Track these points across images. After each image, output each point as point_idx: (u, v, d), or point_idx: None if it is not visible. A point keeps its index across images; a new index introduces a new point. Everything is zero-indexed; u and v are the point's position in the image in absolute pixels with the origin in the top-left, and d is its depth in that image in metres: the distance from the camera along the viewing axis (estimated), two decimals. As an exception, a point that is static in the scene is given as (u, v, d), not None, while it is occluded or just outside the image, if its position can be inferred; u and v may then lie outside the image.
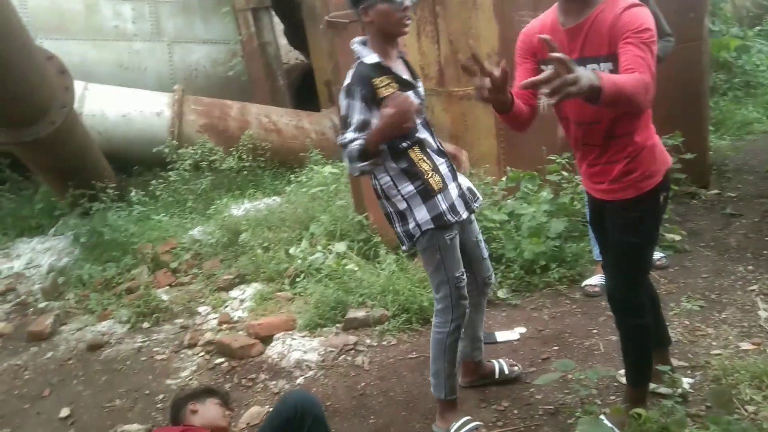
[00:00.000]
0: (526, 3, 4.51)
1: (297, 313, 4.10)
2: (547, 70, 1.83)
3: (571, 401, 2.89)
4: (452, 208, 2.63)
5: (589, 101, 1.91)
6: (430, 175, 2.60)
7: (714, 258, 4.16)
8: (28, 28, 5.12)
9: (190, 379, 3.63)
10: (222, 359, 3.77)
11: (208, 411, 2.76)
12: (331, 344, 3.71)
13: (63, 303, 4.95)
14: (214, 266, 5.10)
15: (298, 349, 3.71)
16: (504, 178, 4.62)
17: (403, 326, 3.77)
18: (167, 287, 4.98)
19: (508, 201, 4.45)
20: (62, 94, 5.27)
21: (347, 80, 2.55)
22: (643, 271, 2.48)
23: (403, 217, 2.65)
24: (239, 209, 5.96)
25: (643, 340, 2.49)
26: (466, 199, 2.74)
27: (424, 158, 2.62)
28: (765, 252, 4.12)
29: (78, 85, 6.04)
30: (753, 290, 3.66)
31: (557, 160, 4.51)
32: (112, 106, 6.69)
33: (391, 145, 2.56)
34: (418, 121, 2.62)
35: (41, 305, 5.00)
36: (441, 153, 2.71)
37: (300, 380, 3.45)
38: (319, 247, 4.67)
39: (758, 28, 9.22)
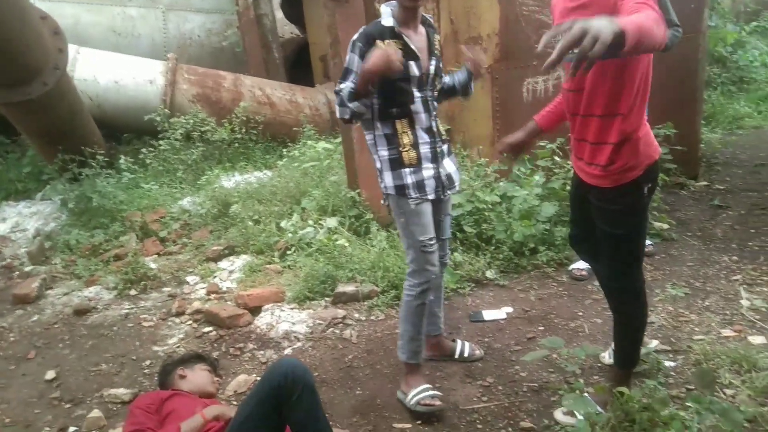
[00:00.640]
0: (527, -16, 4.50)
1: (286, 285, 4.11)
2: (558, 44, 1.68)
3: (555, 380, 2.94)
4: (419, 185, 2.68)
5: (613, 53, 1.70)
6: (406, 149, 2.67)
7: (700, 247, 4.22)
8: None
9: (178, 347, 3.63)
10: (210, 328, 3.78)
11: (197, 376, 2.78)
12: (319, 317, 3.73)
13: (49, 267, 4.93)
14: (203, 236, 5.09)
15: (287, 321, 3.73)
16: (497, 160, 4.64)
17: (391, 302, 3.80)
18: (155, 256, 4.97)
19: (501, 183, 4.47)
20: (56, 55, 5.19)
21: (355, 36, 2.60)
22: (635, 259, 2.48)
23: (380, 173, 2.76)
24: (230, 181, 5.94)
25: (638, 324, 2.52)
26: (440, 183, 2.76)
27: (408, 132, 2.67)
28: (750, 243, 4.19)
29: (70, 49, 5.96)
30: (736, 280, 3.72)
31: (547, 146, 4.53)
32: (105, 71, 6.60)
33: (382, 108, 2.63)
34: (418, 95, 2.64)
35: (27, 269, 4.98)
36: (431, 133, 2.72)
37: (288, 351, 3.47)
38: (310, 222, 4.67)
39: (754, 24, 9.26)
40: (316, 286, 3.99)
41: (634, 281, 2.46)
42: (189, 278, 4.53)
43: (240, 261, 4.63)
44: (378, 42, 2.55)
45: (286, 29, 9.88)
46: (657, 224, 4.44)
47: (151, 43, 8.05)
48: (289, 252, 4.49)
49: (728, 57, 8.18)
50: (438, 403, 2.77)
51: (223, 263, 4.66)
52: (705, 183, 5.36)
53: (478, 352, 3.21)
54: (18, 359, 3.66)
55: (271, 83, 7.45)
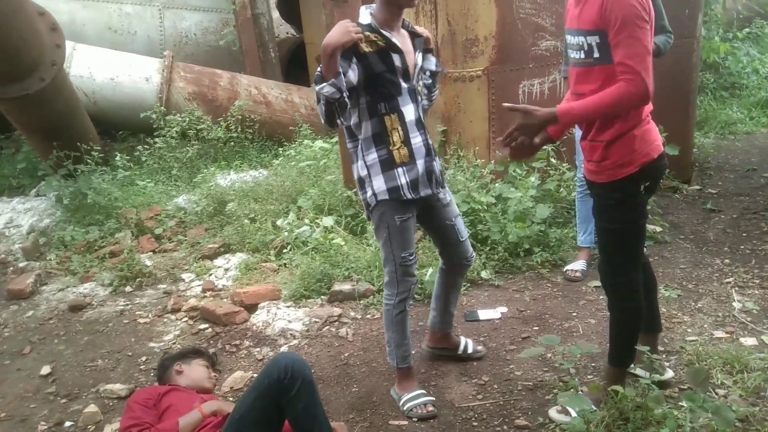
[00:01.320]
0: (525, -12, 4.54)
1: (282, 283, 4.13)
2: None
3: (549, 378, 2.97)
4: (413, 183, 2.65)
5: (556, 120, 2.35)
6: (397, 147, 2.63)
7: (693, 250, 4.27)
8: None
9: (174, 343, 3.64)
10: (206, 325, 3.79)
11: (194, 372, 2.80)
12: (315, 315, 3.74)
13: (44, 263, 4.92)
14: (198, 234, 5.09)
15: (283, 318, 3.74)
16: (492, 162, 4.67)
17: (387, 301, 3.81)
18: (150, 253, 4.97)
19: (496, 184, 4.51)
20: (53, 51, 5.18)
21: None
22: (627, 256, 2.51)
23: (362, 184, 2.71)
24: (225, 180, 5.95)
25: (630, 322, 2.55)
26: (434, 177, 2.74)
27: (398, 128, 2.63)
28: (742, 247, 4.24)
29: (67, 45, 5.94)
30: (728, 282, 3.77)
31: (543, 148, 4.56)
32: (101, 68, 6.59)
33: (370, 105, 2.59)
34: (404, 86, 2.63)
35: (21, 264, 4.96)
36: (420, 125, 2.71)
37: (284, 348, 3.48)
38: (306, 221, 4.69)
39: (747, 30, 9.36)
40: (313, 284, 4.01)
41: (628, 279, 2.50)
42: (184, 276, 4.53)
43: (236, 259, 4.64)
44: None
45: (282, 29, 9.89)
46: (650, 227, 4.48)
47: (147, 40, 8.04)
48: (285, 250, 4.50)
49: (720, 63, 8.26)
50: (431, 409, 2.79)
51: (219, 261, 4.67)
52: (698, 187, 5.42)
53: (481, 349, 3.23)
54: (13, 354, 3.65)
55: (268, 82, 7.46)
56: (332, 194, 4.84)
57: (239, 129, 6.69)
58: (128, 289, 4.40)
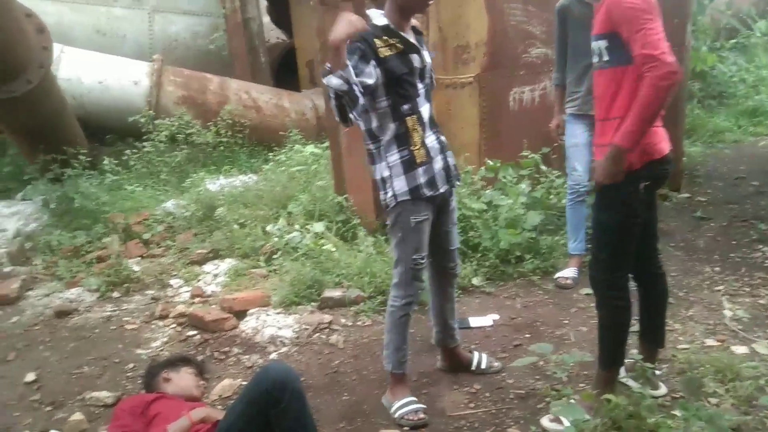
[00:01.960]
0: (517, -5, 4.55)
1: (272, 290, 4.09)
2: None
3: (541, 387, 2.95)
4: (431, 182, 2.68)
5: (628, 149, 2.31)
6: (417, 147, 2.65)
7: (683, 258, 4.28)
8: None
9: (161, 350, 3.59)
10: (194, 332, 3.74)
11: (182, 380, 2.75)
12: (305, 322, 3.71)
13: (30, 268, 4.85)
14: (187, 240, 5.04)
15: (273, 325, 3.70)
16: (483, 168, 4.67)
17: (378, 308, 3.79)
18: (138, 258, 4.91)
19: (487, 191, 4.50)
20: (40, 53, 5.13)
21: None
22: (618, 253, 2.53)
23: (384, 185, 2.71)
24: (215, 184, 5.90)
25: (617, 321, 2.57)
26: (449, 173, 2.77)
27: (418, 129, 2.66)
28: (732, 255, 4.26)
29: (55, 48, 5.87)
30: (719, 290, 3.78)
31: (530, 155, 4.58)
32: (89, 71, 6.53)
33: (393, 108, 2.61)
34: (420, 86, 2.65)
35: (6, 269, 4.88)
36: (433, 123, 2.75)
37: (273, 355, 3.44)
38: (296, 226, 4.65)
39: (734, 41, 9.44)
40: (303, 290, 3.98)
41: (616, 276, 2.52)
42: (173, 281, 4.48)
43: (225, 265, 4.59)
44: (376, 40, 2.55)
45: (272, 33, 9.85)
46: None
47: (136, 44, 7.97)
48: (275, 256, 4.46)
49: (708, 72, 8.32)
50: (422, 416, 2.77)
51: (208, 267, 4.62)
52: (687, 195, 5.44)
53: (497, 364, 3.16)
54: (-4, 361, 3.59)
55: (258, 87, 7.42)
56: (323, 200, 4.81)
57: (229, 133, 6.64)
58: (115, 294, 4.35)
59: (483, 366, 3.14)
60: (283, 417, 2.22)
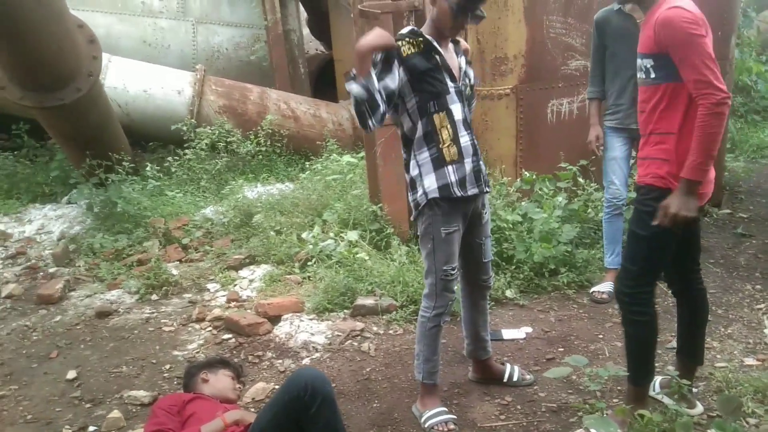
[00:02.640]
0: (557, 7, 4.55)
1: (306, 296, 4.14)
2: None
3: (574, 401, 2.92)
4: (461, 182, 2.67)
5: (698, 182, 2.31)
6: (447, 144, 2.65)
7: (723, 275, 4.19)
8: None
9: (197, 352, 3.67)
10: (229, 335, 3.81)
11: (219, 381, 2.81)
12: (338, 329, 3.74)
13: (73, 270, 5.00)
14: (224, 245, 5.14)
15: (306, 331, 3.75)
16: (519, 180, 4.66)
17: (410, 317, 3.80)
18: (177, 262, 5.03)
19: (523, 203, 4.48)
20: (90, 62, 5.31)
21: None
22: (647, 267, 2.51)
23: (414, 184, 2.72)
24: (252, 192, 6.01)
25: (642, 337, 2.55)
26: (480, 176, 2.76)
27: (447, 126, 2.66)
28: (773, 273, 4.15)
29: (102, 57, 6.08)
30: (760, 308, 3.69)
31: (568, 167, 4.55)
32: (134, 80, 6.74)
33: (420, 106, 2.63)
34: (451, 85, 2.66)
35: (51, 270, 5.05)
36: (467, 125, 2.74)
37: (306, 361, 3.48)
38: (331, 234, 4.71)
39: (780, 54, 9.23)
40: (336, 297, 4.02)
41: (642, 291, 2.51)
42: (210, 285, 4.57)
43: (260, 270, 4.67)
44: (399, 42, 2.60)
45: (311, 45, 10.01)
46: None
47: (180, 54, 8.20)
48: (309, 263, 4.52)
49: (753, 86, 8.16)
50: (452, 427, 2.77)
51: (244, 272, 4.70)
52: (728, 211, 5.33)
53: (529, 377, 3.14)
54: (40, 358, 3.71)
55: (296, 97, 7.54)
56: (357, 209, 4.85)
57: (268, 142, 6.76)
58: (154, 297, 4.46)
59: (515, 378, 3.12)
60: (314, 422, 2.24)
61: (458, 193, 2.67)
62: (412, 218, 2.87)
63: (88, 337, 3.95)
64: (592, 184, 4.63)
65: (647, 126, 2.47)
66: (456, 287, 2.89)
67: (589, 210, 4.57)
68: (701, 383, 2.98)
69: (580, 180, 4.60)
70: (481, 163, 2.79)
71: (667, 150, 2.39)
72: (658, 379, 2.91)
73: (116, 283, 4.64)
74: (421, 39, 2.63)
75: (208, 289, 4.52)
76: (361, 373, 3.33)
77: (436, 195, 2.65)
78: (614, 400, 2.89)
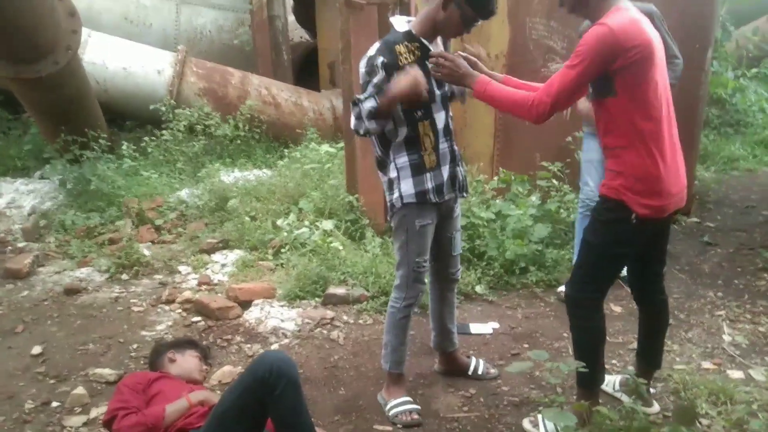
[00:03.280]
0: (539, 9, 4.60)
1: (278, 282, 4.15)
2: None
3: (536, 395, 2.99)
4: (438, 188, 2.72)
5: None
6: (428, 152, 2.69)
7: (687, 281, 4.30)
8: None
9: (166, 333, 3.66)
10: (199, 318, 3.81)
11: (186, 362, 2.82)
12: (308, 316, 3.77)
13: (43, 245, 4.95)
14: (198, 228, 5.12)
15: (276, 317, 3.76)
16: (495, 178, 4.71)
17: (380, 307, 3.84)
18: (149, 243, 5.00)
19: (497, 201, 4.54)
20: (69, 36, 5.23)
21: (371, 51, 2.64)
22: (596, 276, 2.54)
23: (391, 186, 2.76)
24: (229, 176, 5.98)
25: (588, 342, 2.58)
26: (457, 182, 2.81)
27: (430, 135, 2.69)
28: (735, 281, 4.27)
29: (82, 32, 5.99)
30: (720, 315, 3.80)
31: (549, 167, 4.61)
32: (114, 57, 6.65)
33: (406, 112, 2.65)
34: (438, 92, 2.68)
35: (20, 245, 4.99)
36: (447, 131, 2.77)
37: (275, 346, 3.50)
38: (306, 223, 4.72)
39: (755, 69, 9.44)
40: (308, 285, 4.03)
41: (589, 297, 2.54)
42: (181, 268, 4.56)
43: (233, 255, 4.66)
44: (398, 48, 2.60)
45: (296, 33, 9.96)
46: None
47: (162, 34, 8.11)
48: (283, 250, 4.53)
49: (727, 99, 8.33)
50: (416, 417, 2.81)
51: (217, 256, 4.70)
52: (696, 219, 5.46)
53: (493, 371, 3.19)
54: (5, 332, 3.67)
55: (278, 84, 7.51)
56: (334, 198, 4.87)
57: (247, 128, 6.73)
58: (124, 276, 4.43)
59: (480, 372, 3.18)
60: (278, 404, 2.24)
61: (434, 199, 2.72)
62: (388, 218, 2.89)
63: (55, 314, 3.91)
64: (565, 186, 4.71)
65: (602, 141, 2.47)
66: (426, 279, 2.94)
67: (562, 211, 4.65)
68: (659, 384, 3.07)
69: (554, 182, 4.66)
70: (458, 168, 2.82)
71: (620, 163, 2.39)
72: (618, 378, 2.99)
73: (86, 261, 4.60)
74: (417, 44, 2.64)
75: (180, 272, 4.51)
76: (328, 361, 3.36)
77: (412, 200, 2.70)
78: (574, 396, 2.95)
